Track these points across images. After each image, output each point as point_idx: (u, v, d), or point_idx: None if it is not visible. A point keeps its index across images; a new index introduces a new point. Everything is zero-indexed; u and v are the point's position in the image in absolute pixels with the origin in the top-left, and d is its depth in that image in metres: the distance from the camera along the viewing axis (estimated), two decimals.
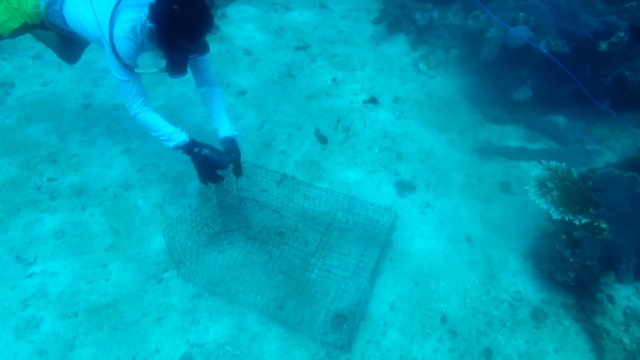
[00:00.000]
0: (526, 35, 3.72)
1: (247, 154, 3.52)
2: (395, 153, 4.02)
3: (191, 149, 2.79)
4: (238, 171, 2.97)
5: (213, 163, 2.80)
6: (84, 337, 2.57)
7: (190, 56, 2.73)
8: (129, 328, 2.63)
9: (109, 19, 2.56)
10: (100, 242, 3.09)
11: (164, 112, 4.28)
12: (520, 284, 3.13)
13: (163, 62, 2.75)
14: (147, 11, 2.55)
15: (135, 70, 2.70)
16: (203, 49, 2.69)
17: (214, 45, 5.23)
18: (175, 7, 2.40)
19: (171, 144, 2.79)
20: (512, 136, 4.33)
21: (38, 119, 4.08)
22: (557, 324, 2.90)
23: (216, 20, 5.65)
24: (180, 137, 2.78)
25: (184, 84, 4.60)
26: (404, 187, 3.69)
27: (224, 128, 3.01)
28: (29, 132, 3.94)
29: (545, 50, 3.64)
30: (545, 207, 2.88)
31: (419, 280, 3.06)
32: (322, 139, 4.11)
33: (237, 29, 5.63)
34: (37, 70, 4.68)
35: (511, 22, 3.90)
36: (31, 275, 2.85)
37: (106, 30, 2.56)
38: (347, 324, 2.67)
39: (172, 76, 2.81)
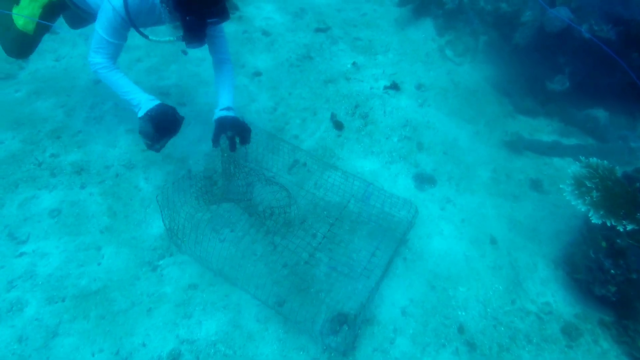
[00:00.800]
0: (566, 17, 3.35)
1: (258, 138, 3.30)
2: (416, 143, 3.74)
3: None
4: (232, 147, 2.77)
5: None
6: (69, 324, 2.39)
7: (209, 22, 2.49)
8: (117, 318, 2.45)
9: None
10: (96, 223, 2.92)
11: (175, 90, 4.10)
12: (549, 294, 2.83)
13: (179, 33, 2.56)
14: None
15: (151, 37, 2.54)
16: (222, 14, 2.48)
17: (232, 25, 5.06)
18: None
19: (141, 112, 2.61)
20: (545, 130, 3.98)
21: (48, 93, 3.94)
22: (593, 345, 2.58)
23: (237, 1, 5.46)
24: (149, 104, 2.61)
25: (197, 63, 4.39)
26: (424, 180, 3.41)
27: (220, 105, 2.84)
28: (36, 106, 3.80)
29: (588, 35, 3.27)
30: (583, 210, 2.57)
31: (435, 283, 2.79)
32: (338, 125, 3.85)
33: (256, 10, 5.39)
34: (51, 45, 4.54)
35: (550, 3, 3.53)
36: (21, 254, 2.69)
37: None
38: (349, 326, 2.43)
39: (189, 45, 2.59)
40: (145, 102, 2.60)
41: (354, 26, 5.23)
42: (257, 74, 4.38)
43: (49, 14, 3.01)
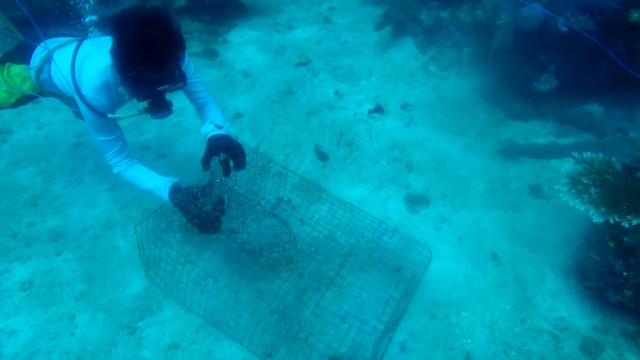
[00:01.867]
0: (540, 13, 3.20)
1: (239, 180, 3.17)
2: (405, 164, 3.55)
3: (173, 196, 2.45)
4: (225, 171, 2.53)
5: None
6: None
7: (163, 89, 2.26)
8: None
9: (73, 74, 2.34)
10: (71, 290, 2.78)
11: (155, 143, 4.04)
12: (563, 308, 2.54)
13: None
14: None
15: (109, 115, 2.38)
16: (175, 78, 2.22)
17: (212, 71, 5.07)
18: (128, 33, 2.03)
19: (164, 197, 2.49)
20: (539, 133, 3.76)
21: (27, 162, 3.92)
22: None
23: (216, 47, 5.50)
24: (164, 192, 2.49)
25: (179, 113, 4.35)
26: (416, 202, 3.20)
27: (210, 127, 2.62)
28: (15, 176, 3.77)
29: (565, 28, 3.11)
30: (582, 209, 2.32)
31: (435, 311, 2.54)
32: (323, 156, 3.71)
33: (237, 53, 5.41)
34: (34, 114, 4.59)
35: (521, 4, 3.40)
36: None
37: (74, 88, 2.35)
38: None
39: (155, 116, 2.38)
40: (163, 188, 2.50)
41: (335, 55, 5.17)
42: (239, 115, 4.31)
43: (24, 101, 3.00)
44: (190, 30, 5.87)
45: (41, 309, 2.67)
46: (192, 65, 2.63)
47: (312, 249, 2.92)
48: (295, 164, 3.69)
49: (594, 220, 2.25)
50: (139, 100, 2.33)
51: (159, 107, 2.33)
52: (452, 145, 3.71)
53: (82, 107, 2.38)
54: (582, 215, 2.61)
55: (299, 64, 5.05)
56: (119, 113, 2.44)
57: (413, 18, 4.79)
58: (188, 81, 2.54)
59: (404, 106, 4.20)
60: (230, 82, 4.84)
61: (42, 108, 4.59)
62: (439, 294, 2.63)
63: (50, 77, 2.68)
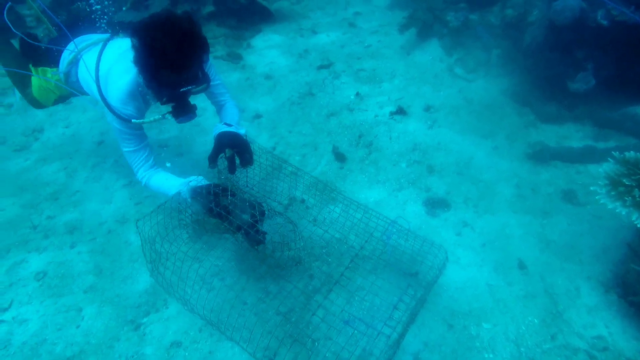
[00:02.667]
0: (577, 5, 2.99)
1: (252, 180, 3.10)
2: (426, 166, 3.39)
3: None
4: (231, 168, 2.45)
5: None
6: None
7: (186, 91, 2.21)
8: None
9: (98, 82, 2.36)
10: (81, 282, 2.75)
11: (174, 142, 4.03)
12: (601, 325, 2.31)
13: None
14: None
15: (133, 120, 2.34)
16: (198, 80, 2.20)
17: (235, 73, 5.06)
18: (150, 36, 2.01)
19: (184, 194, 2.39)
20: (574, 136, 3.53)
21: (53, 159, 3.98)
22: None
23: (240, 51, 5.51)
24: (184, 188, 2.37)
25: (199, 113, 4.32)
26: (436, 205, 3.03)
27: (220, 126, 2.55)
28: (41, 172, 3.83)
29: (605, 22, 2.89)
30: (623, 213, 2.11)
31: (453, 321, 2.36)
32: (340, 157, 3.59)
33: (260, 57, 5.40)
34: (64, 114, 4.68)
35: None
36: (0, 323, 2.54)
37: (101, 97, 2.37)
38: None
39: (179, 120, 2.34)
40: (182, 188, 2.38)
41: (358, 59, 5.09)
42: (258, 116, 4.26)
43: (61, 100, 3.14)
44: (217, 35, 5.92)
45: (52, 299, 2.65)
46: (214, 67, 2.62)
47: (324, 250, 2.80)
48: (312, 164, 3.59)
49: (638, 226, 2.03)
50: (163, 103, 2.28)
51: (183, 110, 2.29)
52: (477, 148, 3.53)
53: (109, 115, 2.37)
54: (623, 222, 2.40)
55: (321, 67, 4.99)
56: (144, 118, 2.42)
57: (439, 19, 4.65)
58: (210, 83, 2.51)
59: (427, 108, 4.04)
60: (252, 85, 4.82)
61: (72, 108, 4.68)
62: (457, 302, 2.44)
63: (78, 80, 2.75)
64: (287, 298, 2.46)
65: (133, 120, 2.33)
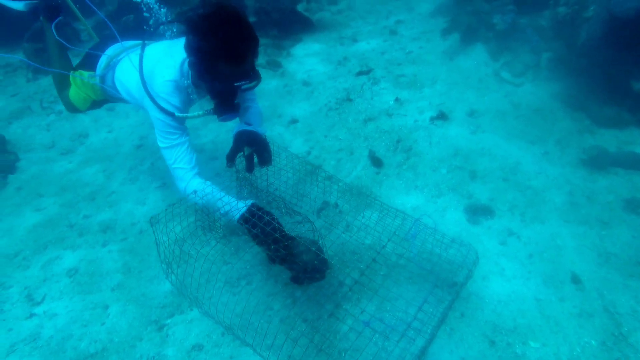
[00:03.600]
0: None
1: (288, 182, 3.03)
2: (469, 172, 3.18)
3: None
4: (249, 167, 2.36)
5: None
6: None
7: (238, 86, 2.13)
8: None
9: (143, 77, 2.31)
10: (109, 280, 2.74)
11: (210, 146, 4.04)
12: None
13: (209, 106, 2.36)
14: (183, 56, 2.23)
15: (177, 114, 2.28)
16: (251, 75, 2.12)
17: (273, 81, 5.05)
18: (210, 27, 1.96)
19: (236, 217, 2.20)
20: (638, 141, 3.20)
21: (94, 161, 4.07)
22: None
23: (280, 59, 5.52)
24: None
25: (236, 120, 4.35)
26: (478, 212, 2.82)
27: (242, 124, 2.46)
28: (82, 173, 3.92)
29: None
30: None
31: (495, 337, 2.13)
32: (377, 162, 3.44)
33: (299, 65, 5.38)
34: (108, 120, 4.82)
35: None
36: (31, 316, 2.55)
37: (145, 91, 2.31)
38: None
39: (222, 117, 2.28)
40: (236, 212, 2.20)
41: (398, 65, 4.95)
42: (294, 121, 4.20)
43: (99, 104, 3.12)
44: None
45: (80, 295, 2.64)
46: None
47: (356, 256, 2.65)
48: (347, 169, 3.47)
49: None
50: (211, 97, 2.24)
51: (227, 108, 2.24)
52: (525, 153, 3.28)
53: (153, 110, 2.31)
54: None
55: (360, 73, 4.89)
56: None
57: (485, 22, 4.45)
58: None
59: (471, 113, 3.83)
60: (290, 91, 4.78)
61: (115, 115, 4.81)
62: (501, 317, 2.21)
63: (113, 85, 2.75)
64: (315, 305, 2.32)
65: (176, 114, 2.28)
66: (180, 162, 2.38)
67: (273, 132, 4.03)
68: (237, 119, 2.46)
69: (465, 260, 2.26)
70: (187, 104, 2.41)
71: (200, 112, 2.29)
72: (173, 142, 2.37)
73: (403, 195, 3.08)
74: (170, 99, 2.29)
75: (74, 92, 3.00)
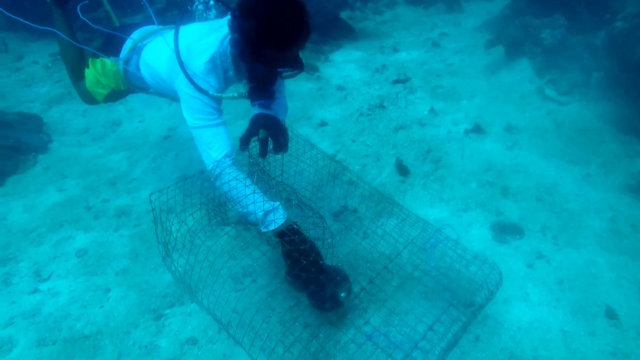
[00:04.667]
0: None
1: (306, 184, 2.92)
2: (500, 188, 2.97)
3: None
4: (262, 151, 2.20)
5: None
6: None
7: (280, 71, 2.05)
8: None
9: (179, 55, 2.19)
10: (116, 264, 2.70)
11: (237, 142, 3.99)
12: None
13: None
14: (222, 37, 2.15)
15: (213, 94, 2.15)
16: (295, 62, 2.02)
17: (308, 83, 4.99)
18: (264, 7, 1.86)
19: (264, 228, 2.08)
20: None
21: (122, 148, 4.11)
22: None
23: (318, 64, 5.46)
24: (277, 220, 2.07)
25: None
26: (506, 230, 2.60)
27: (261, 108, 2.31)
28: (109, 159, 3.96)
29: None
30: None
31: None
32: (403, 170, 3.28)
33: (336, 70, 5.31)
34: (141, 110, 4.89)
35: None
36: (35, 291, 2.54)
37: (181, 69, 2.18)
38: None
39: (256, 100, 2.21)
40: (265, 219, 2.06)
41: (437, 76, 4.79)
42: (323, 124, 4.10)
43: (119, 95, 2.97)
44: None
45: (85, 277, 2.61)
46: None
47: (368, 265, 2.49)
48: (372, 175, 3.32)
49: None
50: (249, 80, 2.14)
51: (263, 93, 2.16)
52: (564, 174, 3.03)
53: (187, 88, 2.17)
54: None
55: (396, 81, 4.76)
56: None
57: (532, 37, 4.23)
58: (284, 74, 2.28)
59: (509, 128, 3.62)
60: (323, 95, 4.70)
61: (149, 106, 4.88)
62: (519, 345, 1.99)
63: (137, 69, 2.63)
64: (317, 310, 2.17)
65: (211, 92, 2.15)
66: (214, 145, 2.18)
67: (300, 133, 3.94)
68: (257, 105, 2.32)
69: (486, 280, 2.07)
70: (223, 84, 2.26)
71: (235, 94, 2.18)
72: (207, 122, 2.18)
73: (427, 207, 2.91)
74: (207, 78, 2.16)
75: (91, 82, 2.83)
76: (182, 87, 2.19)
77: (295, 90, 4.78)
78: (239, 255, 2.65)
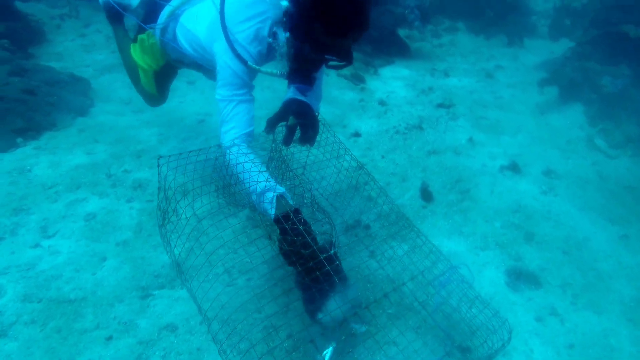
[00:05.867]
0: None
1: (328, 191, 2.83)
2: (525, 233, 2.78)
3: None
4: (287, 139, 2.06)
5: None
6: (22, 327, 2.06)
7: (327, 61, 1.99)
8: (70, 337, 2.04)
9: (223, 20, 2.11)
10: (119, 235, 2.69)
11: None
12: None
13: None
14: (273, 7, 2.06)
15: (251, 64, 2.07)
16: (345, 53, 1.92)
17: (351, 93, 4.92)
18: None
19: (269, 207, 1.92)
20: None
21: (156, 124, 4.16)
22: None
23: (366, 75, 5.39)
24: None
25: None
26: (522, 278, 2.41)
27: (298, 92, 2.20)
28: (140, 132, 4.01)
29: None
30: None
31: None
32: (427, 196, 3.14)
33: (382, 84, 5.23)
34: (184, 91, 4.96)
35: None
36: (36, 246, 2.56)
37: (224, 34, 2.10)
38: None
39: (292, 85, 2.15)
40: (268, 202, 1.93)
41: (484, 107, 4.61)
42: (356, 134, 4.01)
43: (162, 77, 2.98)
44: None
45: (87, 241, 2.61)
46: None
47: (370, 285, 2.36)
48: (394, 195, 3.19)
49: None
50: (292, 60, 2.04)
51: (302, 77, 2.08)
52: (598, 230, 2.81)
53: (225, 55, 2.09)
54: None
55: (440, 105, 4.61)
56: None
57: (591, 81, 3.98)
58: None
59: (548, 172, 3.40)
60: (364, 107, 4.62)
61: (193, 88, 4.94)
62: None
63: (175, 37, 2.56)
64: (304, 322, 2.07)
65: (249, 63, 2.06)
66: (235, 120, 2.09)
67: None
68: (293, 89, 2.20)
69: (492, 337, 1.85)
70: (263, 58, 2.18)
71: (274, 71, 2.09)
72: (235, 97, 2.10)
73: (444, 237, 2.75)
74: (248, 47, 2.07)
75: (142, 76, 2.87)
76: (220, 52, 2.10)
77: (337, 97, 4.72)
78: (240, 251, 2.58)
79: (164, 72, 2.94)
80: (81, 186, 3.12)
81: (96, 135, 3.78)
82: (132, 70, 3.03)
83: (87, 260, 2.48)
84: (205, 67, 2.64)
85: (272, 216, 1.88)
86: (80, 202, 2.96)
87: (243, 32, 2.06)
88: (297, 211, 1.88)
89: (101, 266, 2.44)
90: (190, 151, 2.03)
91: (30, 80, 4.06)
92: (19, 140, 3.55)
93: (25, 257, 2.47)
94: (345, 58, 1.91)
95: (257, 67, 2.07)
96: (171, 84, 3.19)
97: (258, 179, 1.91)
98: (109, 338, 2.04)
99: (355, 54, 6.16)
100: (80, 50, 5.47)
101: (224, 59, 2.09)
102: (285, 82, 2.24)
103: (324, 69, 2.38)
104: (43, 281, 2.31)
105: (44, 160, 3.35)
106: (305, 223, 1.85)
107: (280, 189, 1.94)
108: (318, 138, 2.25)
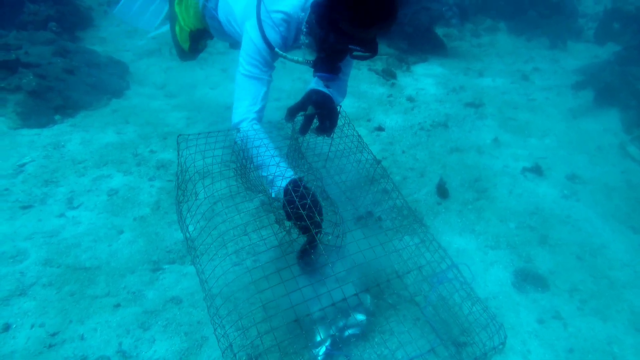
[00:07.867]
0: None
1: (345, 183, 2.86)
2: (540, 235, 2.71)
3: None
4: (303, 128, 2.14)
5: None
6: (40, 289, 2.21)
7: (352, 51, 2.00)
8: (82, 301, 2.17)
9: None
10: (137, 210, 2.82)
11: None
12: None
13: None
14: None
15: (277, 50, 2.16)
16: (369, 45, 1.96)
17: (381, 88, 4.91)
18: None
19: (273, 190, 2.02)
20: None
21: (185, 109, 4.30)
22: None
23: (397, 72, 5.36)
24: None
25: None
26: (529, 279, 2.37)
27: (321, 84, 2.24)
28: (170, 115, 4.16)
29: None
30: None
31: None
32: (443, 192, 3.11)
33: (413, 81, 5.18)
34: (217, 79, 5.09)
35: None
36: (61, 216, 2.72)
37: (258, 8, 2.19)
38: None
39: (317, 75, 2.18)
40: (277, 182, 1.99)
41: (514, 108, 4.49)
42: (379, 129, 4.01)
43: (196, 39, 3.13)
44: (381, 53, 5.88)
45: (107, 214, 2.75)
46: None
47: (373, 271, 2.37)
48: (410, 189, 3.18)
49: None
50: (317, 49, 2.11)
51: (327, 66, 2.13)
52: (618, 238, 2.71)
53: (253, 32, 2.17)
54: None
55: (469, 104, 4.53)
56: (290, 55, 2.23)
57: (630, 86, 3.81)
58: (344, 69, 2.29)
59: (572, 177, 3.29)
60: (391, 102, 4.60)
61: (226, 77, 5.06)
62: None
63: (216, 7, 2.65)
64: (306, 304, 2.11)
65: (276, 49, 2.15)
66: (249, 97, 2.19)
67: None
68: (317, 80, 2.25)
69: (486, 339, 1.84)
70: (289, 43, 2.25)
71: (300, 59, 2.16)
72: (255, 75, 2.19)
73: (455, 234, 2.73)
74: (278, 28, 2.15)
75: (178, 28, 3.02)
76: (250, 29, 2.18)
77: (366, 91, 4.72)
78: (252, 235, 2.64)
79: (199, 35, 3.04)
80: (108, 163, 3.27)
81: (128, 116, 3.95)
82: (172, 20, 3.13)
83: (105, 232, 2.61)
84: (237, 41, 2.71)
85: (279, 188, 1.95)
86: (105, 178, 3.11)
87: (276, 12, 2.14)
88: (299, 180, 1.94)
89: (117, 239, 2.57)
90: (209, 132, 2.10)
91: (71, 61, 4.28)
92: (57, 117, 3.75)
93: (50, 225, 2.63)
94: (370, 49, 1.95)
95: (283, 53, 2.15)
96: (204, 47, 3.28)
97: (268, 157, 1.99)
98: (117, 305, 2.15)
99: (390, 50, 6.20)
100: (123, 35, 5.69)
101: (250, 36, 2.17)
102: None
103: (352, 65, 2.42)
104: (64, 248, 2.46)
105: (77, 137, 3.53)
106: (306, 188, 1.91)
107: (290, 172, 2.00)
108: (338, 131, 2.29)
